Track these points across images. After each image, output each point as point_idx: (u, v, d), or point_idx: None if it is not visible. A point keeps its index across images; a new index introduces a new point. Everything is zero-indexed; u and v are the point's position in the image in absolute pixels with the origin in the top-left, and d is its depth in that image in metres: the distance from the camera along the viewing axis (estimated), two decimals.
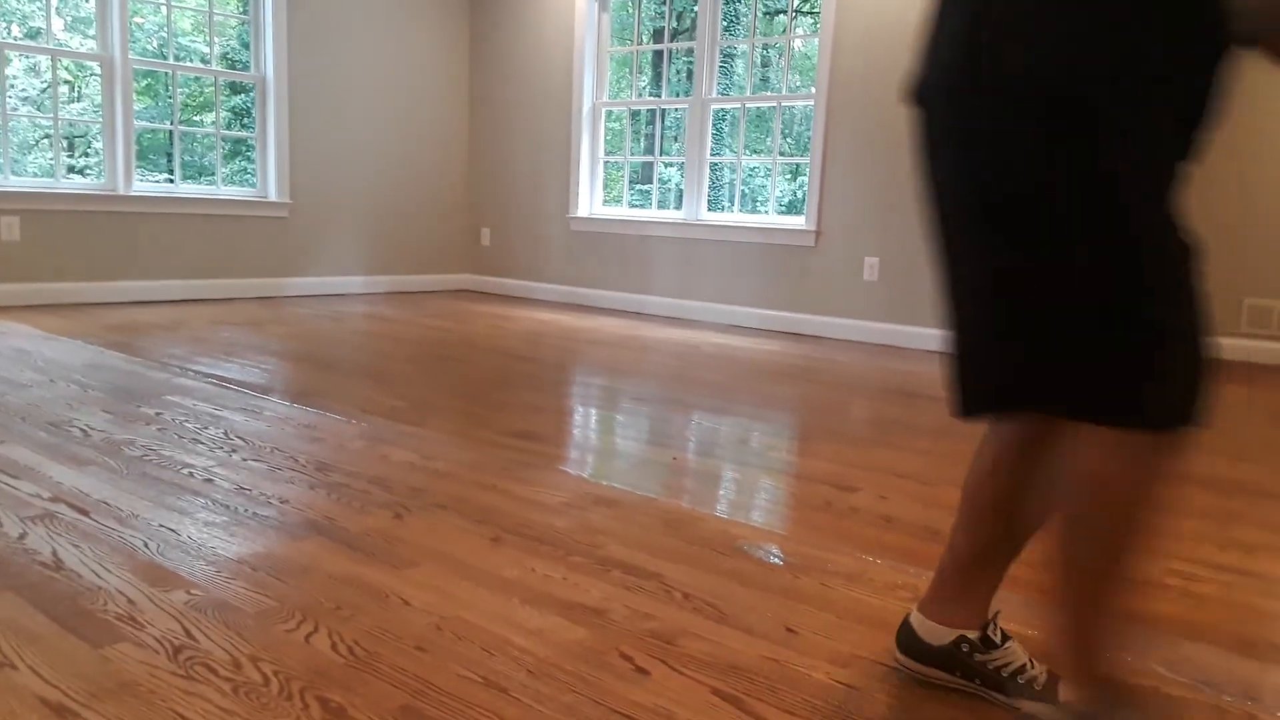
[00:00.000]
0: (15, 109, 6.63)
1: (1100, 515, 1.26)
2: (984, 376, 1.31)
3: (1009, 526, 1.44)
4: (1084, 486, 1.26)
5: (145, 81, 6.75)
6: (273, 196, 6.43)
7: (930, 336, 5.30)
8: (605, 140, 6.93)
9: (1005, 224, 1.22)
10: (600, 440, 3.09)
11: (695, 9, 6.20)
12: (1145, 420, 1.20)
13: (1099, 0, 1.13)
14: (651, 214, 6.69)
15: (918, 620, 1.49)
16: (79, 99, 8.05)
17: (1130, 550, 1.27)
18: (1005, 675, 1.41)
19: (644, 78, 7.43)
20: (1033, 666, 1.42)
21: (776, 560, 2.03)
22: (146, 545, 1.93)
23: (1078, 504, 1.27)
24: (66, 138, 7.70)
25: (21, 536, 1.94)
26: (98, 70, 5.80)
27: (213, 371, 3.79)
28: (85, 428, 2.83)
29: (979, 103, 1.20)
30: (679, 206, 6.51)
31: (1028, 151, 1.17)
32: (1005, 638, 1.45)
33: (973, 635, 1.44)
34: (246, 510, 2.17)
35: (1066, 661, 1.34)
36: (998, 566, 1.48)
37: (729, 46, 7.09)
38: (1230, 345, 5.46)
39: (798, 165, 6.96)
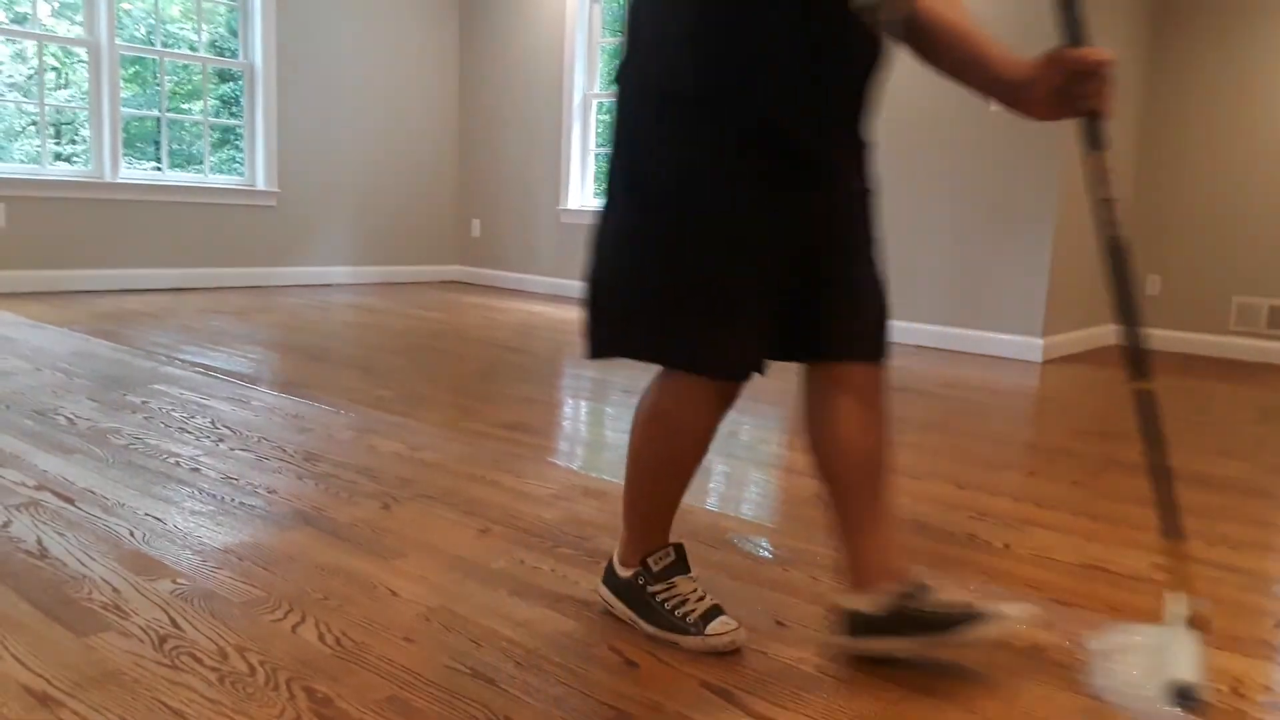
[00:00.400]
0: (1, 95, 6.58)
1: (646, 431, 1.59)
2: (613, 316, 1.52)
3: (839, 474, 1.64)
4: (650, 407, 1.58)
5: (133, 69, 6.69)
6: (261, 185, 6.40)
7: (917, 332, 5.31)
8: (596, 132, 6.91)
9: (611, 187, 1.51)
10: (590, 432, 3.09)
11: None
12: (685, 364, 1.49)
13: (694, 34, 1.40)
14: None
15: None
16: (66, 86, 7.99)
17: (656, 463, 1.59)
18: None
19: None
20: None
21: (766, 553, 2.02)
22: (132, 534, 1.91)
23: (640, 427, 1.59)
24: (53, 125, 7.64)
25: (6, 524, 1.93)
26: (85, 56, 5.76)
27: (200, 360, 3.77)
28: (71, 416, 2.81)
29: (626, 95, 1.51)
30: None
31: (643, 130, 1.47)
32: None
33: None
34: (233, 500, 2.16)
35: (627, 533, 1.66)
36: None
37: None
38: (1219, 343, 5.49)
39: None
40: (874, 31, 1.43)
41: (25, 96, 6.40)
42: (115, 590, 1.65)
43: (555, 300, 6.65)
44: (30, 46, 5.88)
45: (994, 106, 1.56)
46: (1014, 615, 1.44)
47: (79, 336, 4.14)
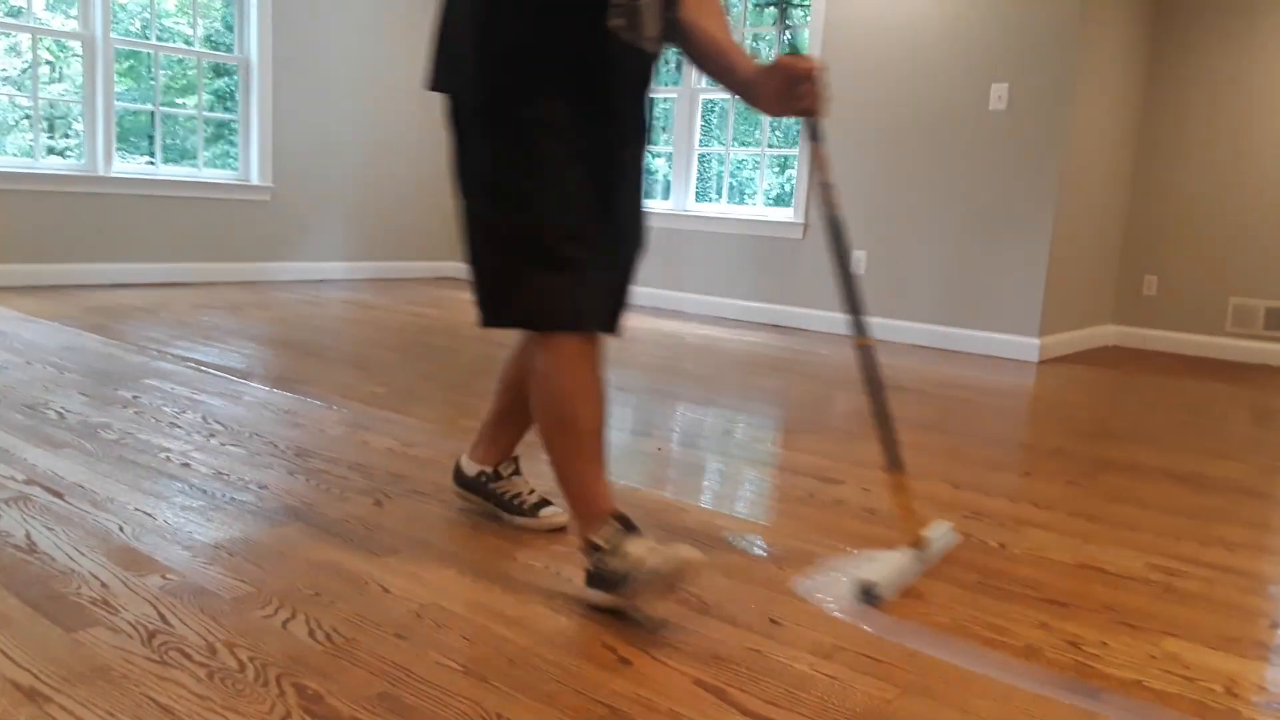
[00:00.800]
0: None
1: (535, 398, 1.75)
2: (477, 294, 1.78)
3: (516, 399, 2.03)
4: (534, 376, 1.75)
5: (128, 63, 6.67)
6: (255, 180, 6.37)
7: (917, 331, 5.31)
8: None
9: (456, 177, 1.77)
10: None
11: None
12: (515, 320, 1.73)
13: (478, 47, 1.68)
14: None
15: (464, 459, 2.12)
16: (60, 79, 7.95)
17: (557, 428, 1.73)
18: (506, 499, 2.05)
19: None
20: (529, 495, 2.05)
21: (760, 552, 2.01)
22: (122, 529, 1.90)
23: (531, 388, 1.78)
24: (47, 118, 7.60)
25: None
26: (79, 50, 5.73)
27: (192, 355, 3.75)
28: (61, 410, 2.79)
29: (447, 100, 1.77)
30: (667, 197, 6.49)
31: (453, 134, 1.76)
32: (514, 474, 2.07)
33: (489, 469, 2.07)
34: (224, 495, 2.14)
35: (572, 509, 1.75)
36: (514, 426, 2.08)
37: None
38: (1215, 344, 5.49)
39: (785, 158, 6.94)
40: (633, 46, 1.73)
41: (19, 90, 6.36)
42: (104, 585, 1.63)
43: None
44: (24, 40, 5.85)
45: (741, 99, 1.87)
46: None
47: (70, 331, 4.12)
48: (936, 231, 5.22)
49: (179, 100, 7.15)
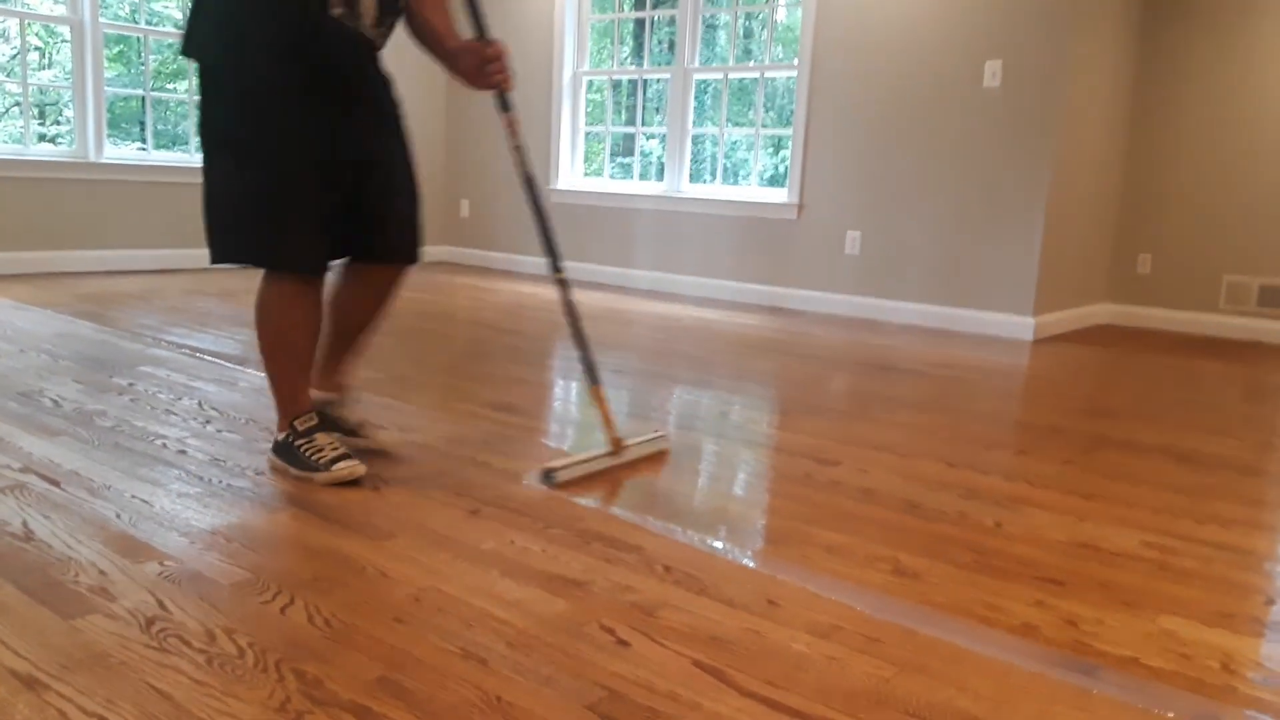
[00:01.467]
0: None
1: (259, 320, 2.14)
2: (210, 235, 2.11)
3: (333, 328, 2.30)
4: (258, 303, 2.13)
5: (117, 48, 6.62)
6: None
7: (912, 311, 5.30)
8: (586, 110, 6.86)
9: (199, 132, 2.08)
10: (581, 413, 3.08)
11: None
12: (244, 259, 2.09)
13: (218, 22, 2.00)
14: (633, 186, 6.64)
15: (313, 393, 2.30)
16: (50, 65, 7.90)
17: (274, 345, 2.14)
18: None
19: (625, 49, 7.36)
20: (331, 450, 2.14)
21: (757, 533, 2.02)
22: (119, 516, 1.90)
23: (257, 323, 2.15)
24: (37, 105, 7.55)
25: None
26: (68, 35, 5.68)
27: (186, 342, 3.74)
28: (56, 398, 2.78)
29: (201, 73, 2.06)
30: (660, 178, 6.47)
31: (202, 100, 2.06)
32: (318, 432, 2.17)
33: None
34: (221, 481, 2.14)
35: (280, 406, 2.19)
36: (337, 351, 2.34)
37: (711, 16, 7.03)
38: (1209, 321, 5.50)
39: (779, 139, 6.92)
40: (355, 30, 2.09)
41: (8, 76, 6.32)
42: (102, 573, 1.63)
43: (545, 281, 6.62)
44: (13, 25, 5.81)
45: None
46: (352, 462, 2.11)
47: (64, 318, 4.11)
48: (930, 210, 5.21)
49: (169, 85, 7.10)
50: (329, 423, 2.26)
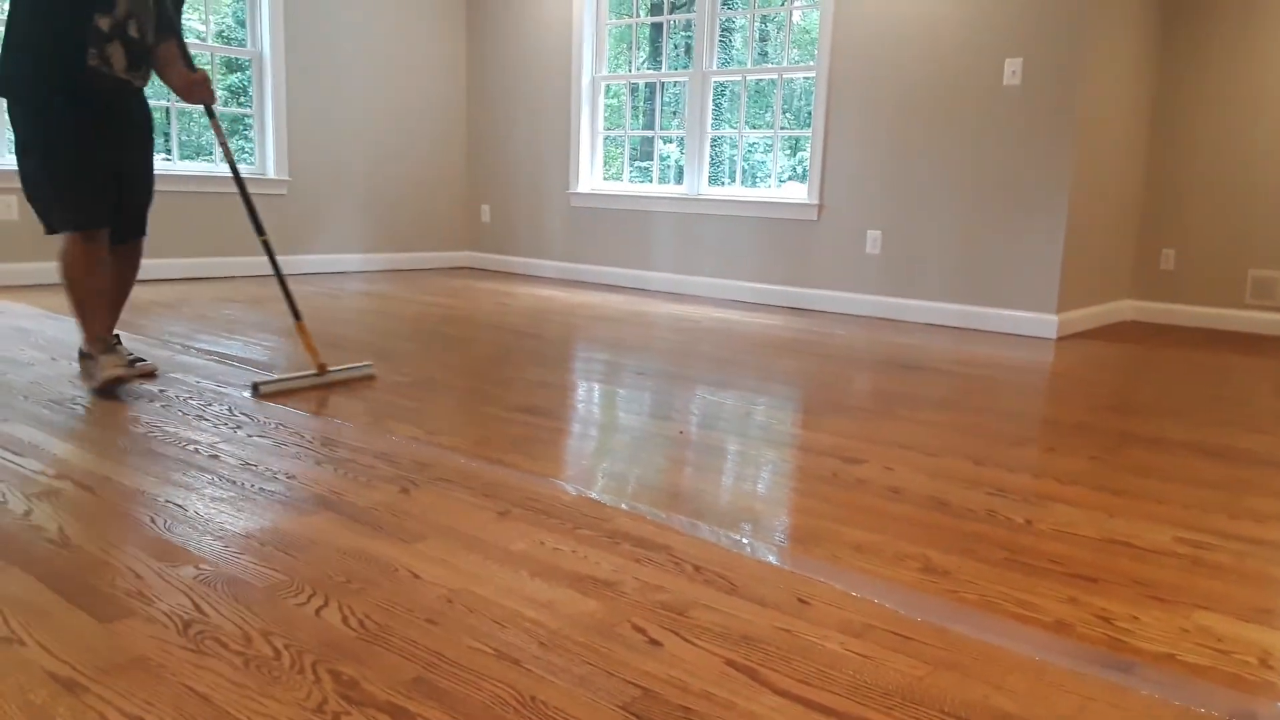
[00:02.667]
0: None
1: (61, 268, 3.01)
2: (37, 214, 3.04)
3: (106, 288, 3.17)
4: (59, 256, 3.02)
5: None
6: (271, 174, 6.39)
7: (934, 310, 5.28)
8: (605, 115, 6.88)
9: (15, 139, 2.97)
10: (605, 414, 3.08)
11: None
12: (54, 228, 3.02)
13: (18, 69, 2.92)
14: (652, 189, 6.65)
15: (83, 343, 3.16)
16: None
17: (73, 287, 3.03)
18: (92, 366, 3.03)
19: (642, 53, 7.37)
20: (103, 371, 2.96)
21: (784, 533, 2.02)
22: (153, 521, 1.92)
23: (60, 270, 3.03)
24: None
25: (27, 513, 1.93)
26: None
27: (215, 349, 3.77)
28: (88, 405, 2.82)
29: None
30: (679, 181, 6.47)
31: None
32: (109, 352, 3.03)
33: (96, 349, 3.04)
34: (253, 485, 2.16)
35: (84, 330, 3.07)
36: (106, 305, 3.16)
37: (727, 19, 7.04)
38: (1235, 316, 5.45)
39: (797, 139, 6.91)
40: (110, 74, 2.99)
41: None
42: (138, 576, 1.65)
43: (566, 284, 6.64)
44: None
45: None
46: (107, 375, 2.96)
47: None
48: (951, 209, 5.19)
49: None
50: (113, 349, 3.08)
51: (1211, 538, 2.04)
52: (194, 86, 3.17)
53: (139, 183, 3.19)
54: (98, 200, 2.98)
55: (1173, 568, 1.87)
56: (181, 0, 3.28)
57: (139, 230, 3.21)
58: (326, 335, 4.25)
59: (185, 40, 3.21)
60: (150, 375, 3.24)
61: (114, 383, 2.95)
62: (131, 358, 3.18)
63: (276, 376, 3.15)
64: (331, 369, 3.25)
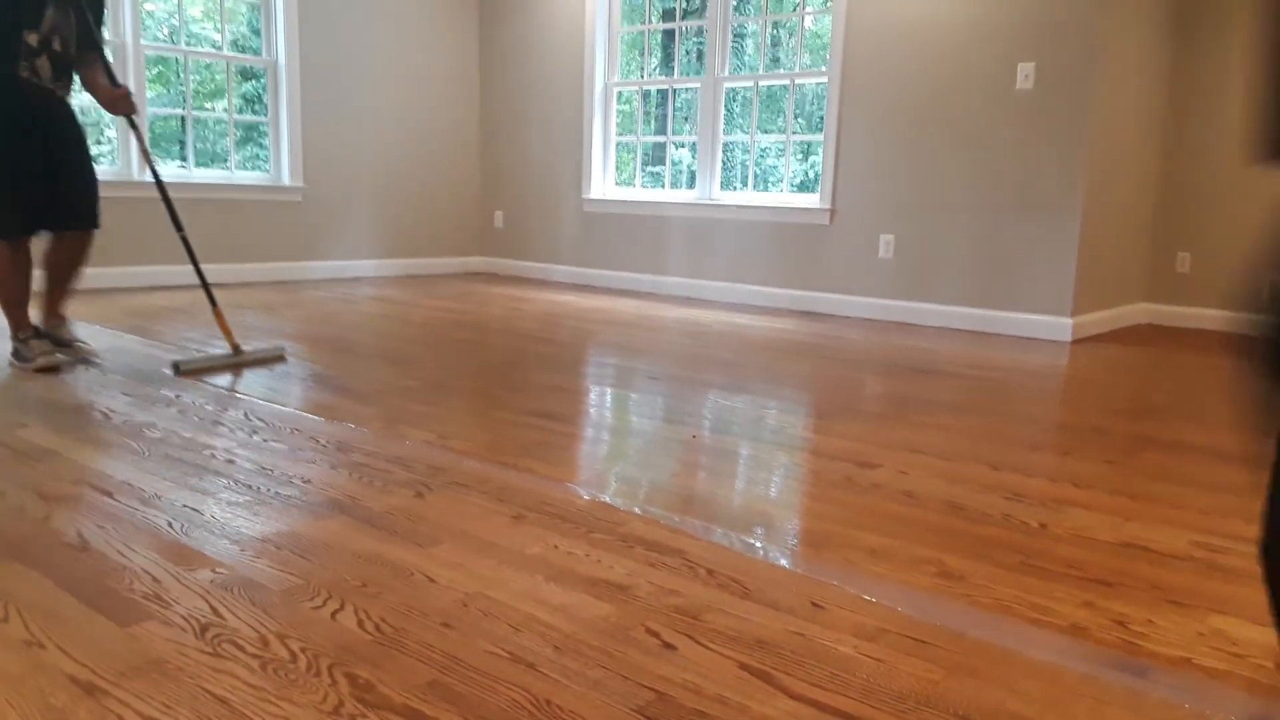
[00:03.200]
0: None
1: None
2: None
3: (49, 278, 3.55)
4: None
5: (157, 69, 6.74)
6: (286, 181, 6.43)
7: (947, 313, 5.27)
8: (618, 121, 6.89)
9: None
10: (618, 419, 3.09)
11: None
12: None
13: None
14: (665, 194, 6.66)
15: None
16: None
17: (2, 287, 3.35)
18: (25, 350, 3.40)
19: (654, 59, 7.38)
20: (41, 354, 3.37)
21: (797, 537, 2.02)
22: (171, 525, 1.93)
23: None
24: None
25: (46, 518, 1.95)
26: (110, 57, 5.79)
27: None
28: (106, 410, 2.84)
29: None
30: (692, 186, 6.48)
31: None
32: (39, 336, 3.46)
33: (23, 336, 3.43)
34: (269, 490, 2.17)
35: (10, 322, 3.41)
36: (48, 294, 3.54)
37: (739, 25, 7.04)
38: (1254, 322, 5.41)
39: (809, 144, 6.91)
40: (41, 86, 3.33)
41: None
42: (156, 580, 1.66)
43: (579, 289, 6.65)
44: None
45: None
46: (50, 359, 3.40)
47: (110, 333, 4.18)
48: (964, 212, 5.18)
49: (208, 104, 7.22)
50: (44, 336, 3.45)
51: (1228, 542, 2.03)
52: (117, 100, 3.48)
53: (77, 179, 3.45)
54: (19, 211, 3.28)
55: (1189, 572, 1.86)
56: (101, 18, 3.56)
57: (88, 223, 3.48)
58: (341, 342, 4.27)
59: (108, 60, 3.58)
60: (89, 359, 3.54)
61: (46, 369, 3.35)
62: (70, 340, 3.56)
63: (195, 358, 3.55)
64: (245, 350, 3.69)
